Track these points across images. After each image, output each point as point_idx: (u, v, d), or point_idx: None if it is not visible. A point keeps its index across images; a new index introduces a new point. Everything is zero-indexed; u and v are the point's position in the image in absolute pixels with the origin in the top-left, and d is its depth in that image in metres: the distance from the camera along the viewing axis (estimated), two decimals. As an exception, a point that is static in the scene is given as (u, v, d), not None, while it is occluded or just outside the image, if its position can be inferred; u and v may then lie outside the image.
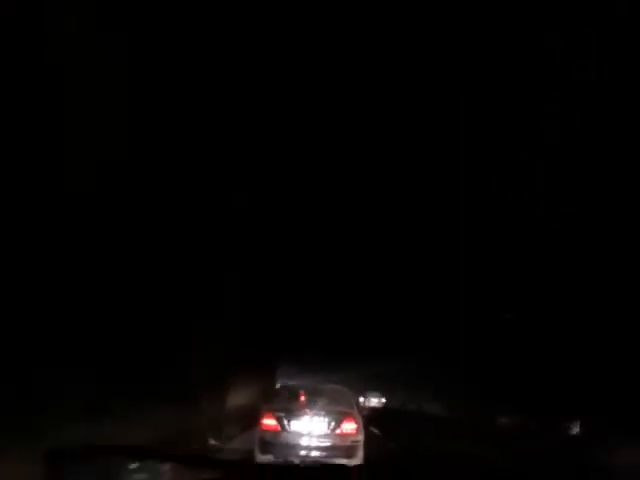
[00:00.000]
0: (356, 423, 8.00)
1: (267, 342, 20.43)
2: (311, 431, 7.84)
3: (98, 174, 6.68)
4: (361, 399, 42.87)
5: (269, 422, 7.95)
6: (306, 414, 7.96)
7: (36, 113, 5.89)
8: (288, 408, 8.16)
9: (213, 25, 8.67)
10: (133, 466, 3.29)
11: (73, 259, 6.43)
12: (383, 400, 39.85)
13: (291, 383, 16.31)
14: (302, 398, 8.51)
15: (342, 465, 5.45)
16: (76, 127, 6.36)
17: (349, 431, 7.86)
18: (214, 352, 11.30)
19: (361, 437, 8.02)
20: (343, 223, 19.86)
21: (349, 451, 7.75)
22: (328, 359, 35.10)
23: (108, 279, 7.13)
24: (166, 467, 3.31)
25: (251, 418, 11.25)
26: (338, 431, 7.84)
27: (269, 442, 7.87)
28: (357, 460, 7.69)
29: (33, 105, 5.82)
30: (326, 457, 7.64)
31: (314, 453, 7.67)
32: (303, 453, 7.66)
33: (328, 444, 7.76)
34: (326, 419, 7.90)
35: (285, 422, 7.89)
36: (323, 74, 13.57)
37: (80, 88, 6.32)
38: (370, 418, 17.45)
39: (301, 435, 7.80)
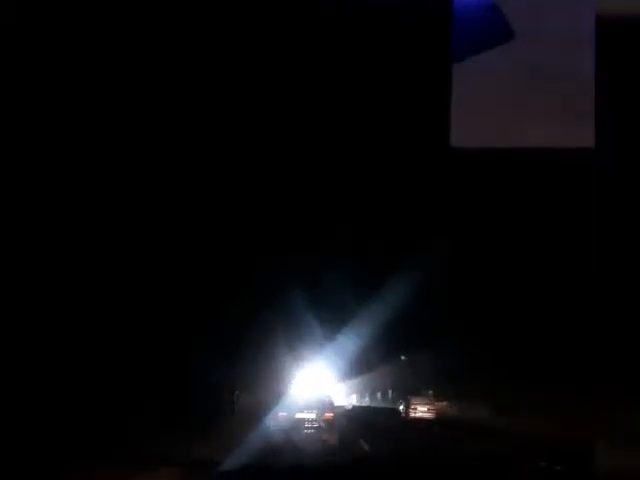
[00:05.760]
0: (333, 414, 15.96)
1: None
2: (307, 418, 15.15)
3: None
4: (401, 407, 27.68)
5: (283, 414, 15.54)
6: (304, 410, 15.41)
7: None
8: (294, 407, 15.78)
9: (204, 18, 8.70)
10: None
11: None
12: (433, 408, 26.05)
13: (297, 393, 23.35)
14: (301, 402, 16.09)
15: None
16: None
17: (329, 418, 15.44)
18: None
19: (335, 422, 15.77)
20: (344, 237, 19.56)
21: (328, 428, 14.86)
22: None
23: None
24: None
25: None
26: (322, 418, 15.18)
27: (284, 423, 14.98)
28: (334, 433, 14.41)
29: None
30: (315, 431, 14.66)
31: (308, 430, 14.66)
32: (303, 430, 14.56)
33: (317, 425, 15.03)
34: (315, 412, 15.32)
35: (292, 414, 15.27)
36: (323, 74, 13.61)
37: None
38: None
39: (302, 420, 15.04)
